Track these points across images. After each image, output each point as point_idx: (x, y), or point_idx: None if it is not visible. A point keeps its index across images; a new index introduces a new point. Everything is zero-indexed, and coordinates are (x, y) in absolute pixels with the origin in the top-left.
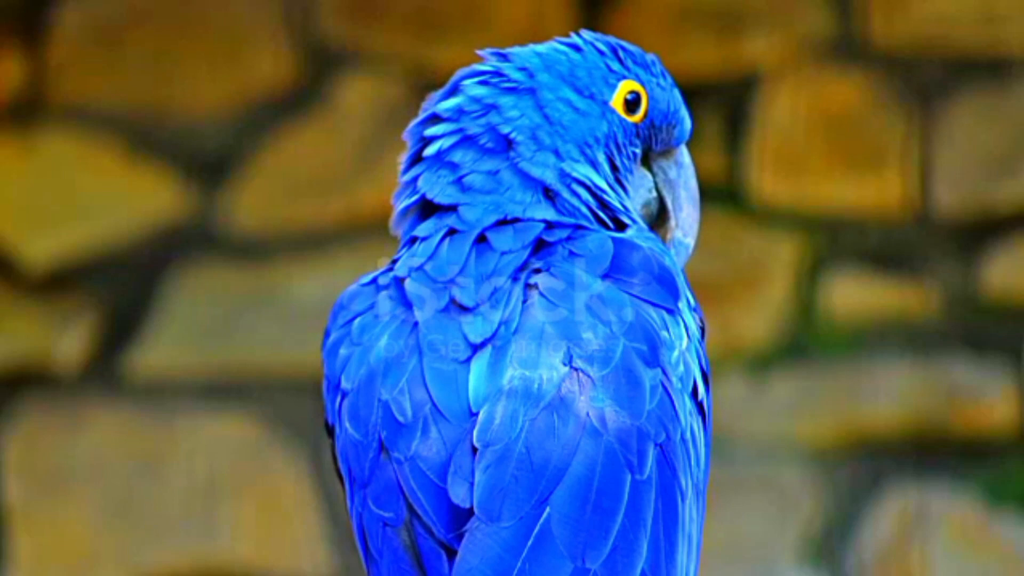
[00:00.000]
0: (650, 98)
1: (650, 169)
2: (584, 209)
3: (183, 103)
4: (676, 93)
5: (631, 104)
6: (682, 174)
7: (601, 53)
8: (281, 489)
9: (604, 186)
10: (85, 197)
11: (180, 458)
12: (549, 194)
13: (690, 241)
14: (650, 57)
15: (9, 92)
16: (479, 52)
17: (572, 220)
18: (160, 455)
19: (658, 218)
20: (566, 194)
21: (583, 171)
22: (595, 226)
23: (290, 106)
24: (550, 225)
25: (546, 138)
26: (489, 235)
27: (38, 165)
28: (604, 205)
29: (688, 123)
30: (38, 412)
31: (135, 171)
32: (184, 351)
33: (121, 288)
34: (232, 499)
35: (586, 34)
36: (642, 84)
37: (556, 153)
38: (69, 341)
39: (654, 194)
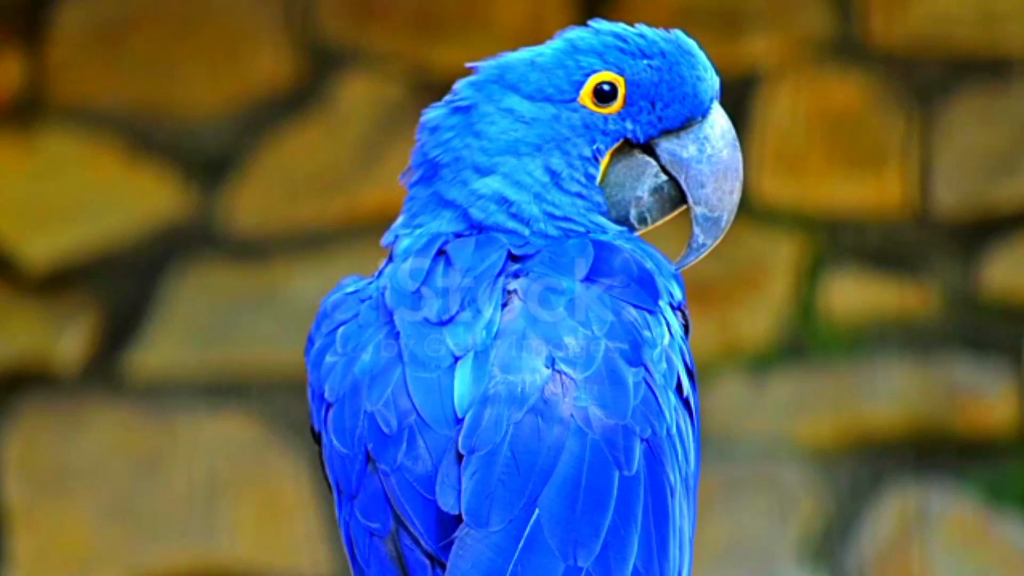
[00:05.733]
0: (629, 84)
1: (653, 153)
2: (509, 223)
3: (183, 103)
4: (679, 69)
5: (604, 95)
6: (705, 147)
7: (574, 49)
8: (281, 489)
9: (520, 198)
10: (85, 197)
11: (180, 458)
12: (466, 213)
13: (720, 214)
14: (649, 37)
15: (9, 92)
16: (468, 65)
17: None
18: (160, 455)
19: (680, 199)
20: (476, 213)
21: (496, 186)
22: (526, 237)
23: (290, 106)
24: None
25: (469, 156)
26: (451, 249)
27: (38, 165)
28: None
29: (704, 94)
30: (38, 412)
31: (135, 171)
32: (184, 351)
33: (121, 288)
34: (232, 499)
35: (575, 29)
36: (620, 72)
37: (477, 169)
38: (69, 341)
39: (663, 177)
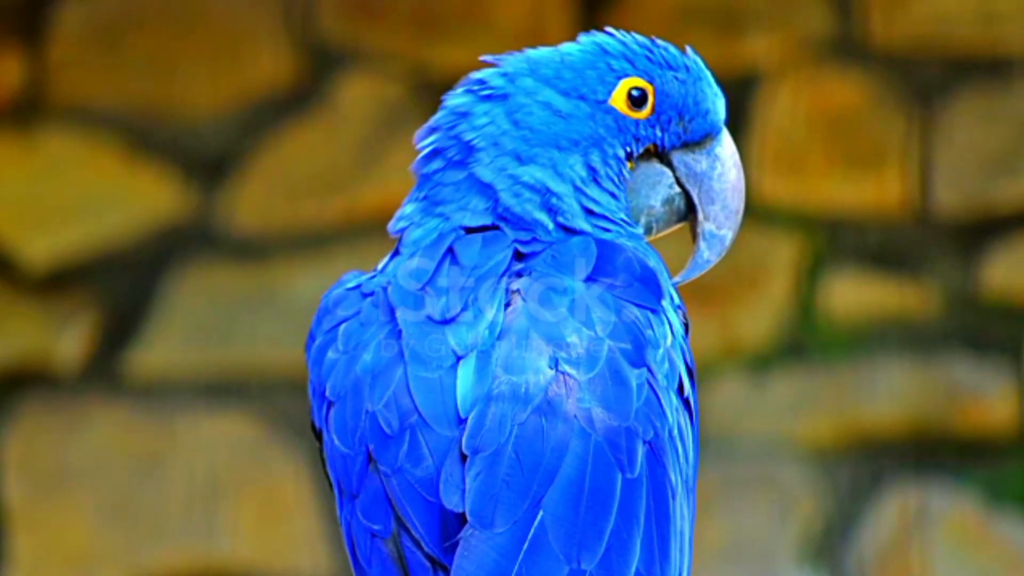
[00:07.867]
0: (658, 93)
1: (670, 163)
2: (536, 214)
3: (183, 103)
4: (702, 85)
5: (636, 100)
6: (716, 165)
7: (604, 52)
8: (281, 489)
9: (561, 190)
10: (85, 197)
11: (180, 458)
12: (497, 199)
13: (725, 232)
14: (671, 50)
15: (9, 92)
16: (483, 58)
17: (522, 229)
18: (160, 455)
19: (689, 212)
20: (508, 198)
21: (539, 175)
22: (550, 232)
23: (290, 106)
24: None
25: (508, 143)
26: (458, 246)
27: (38, 165)
28: (554, 209)
29: (719, 113)
30: (38, 412)
31: (135, 171)
32: (184, 351)
33: (121, 288)
34: (232, 499)
35: (598, 33)
36: (650, 80)
37: (517, 157)
38: (69, 341)
39: (676, 189)
